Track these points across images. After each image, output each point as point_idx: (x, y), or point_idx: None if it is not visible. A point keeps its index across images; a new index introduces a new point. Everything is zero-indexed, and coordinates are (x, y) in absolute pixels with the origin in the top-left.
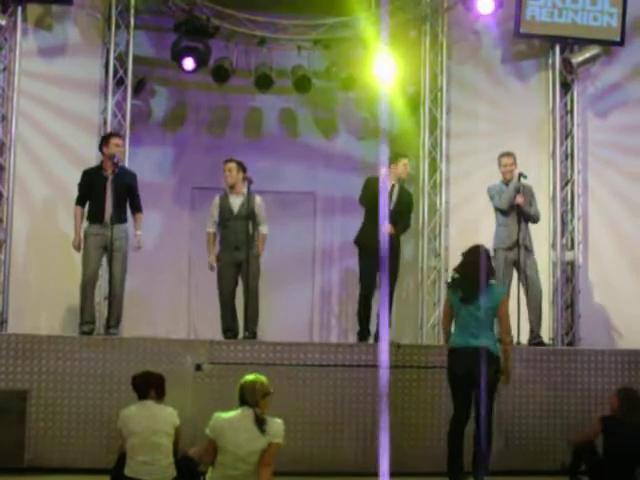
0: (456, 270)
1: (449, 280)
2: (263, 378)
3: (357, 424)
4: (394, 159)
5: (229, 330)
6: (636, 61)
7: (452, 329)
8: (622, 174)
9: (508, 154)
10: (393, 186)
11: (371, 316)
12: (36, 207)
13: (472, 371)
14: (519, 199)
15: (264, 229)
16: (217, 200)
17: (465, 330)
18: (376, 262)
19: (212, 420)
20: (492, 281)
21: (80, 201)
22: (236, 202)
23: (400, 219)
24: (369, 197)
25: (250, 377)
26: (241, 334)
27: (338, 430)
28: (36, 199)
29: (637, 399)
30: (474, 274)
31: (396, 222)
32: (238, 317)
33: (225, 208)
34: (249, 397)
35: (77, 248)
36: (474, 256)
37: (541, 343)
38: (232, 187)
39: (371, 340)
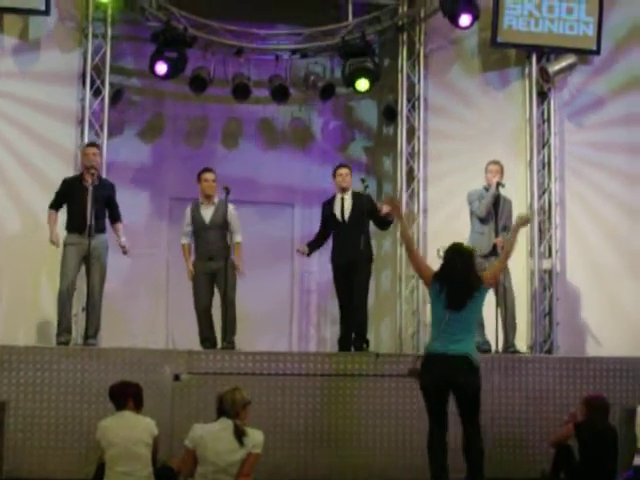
0: (438, 274)
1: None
2: (241, 389)
3: (336, 433)
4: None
5: (207, 340)
6: (608, 63)
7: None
8: (599, 181)
9: (496, 162)
10: (342, 198)
11: (351, 326)
12: (8, 224)
13: (448, 382)
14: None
15: (239, 237)
16: (188, 211)
17: (444, 333)
18: (347, 275)
19: (191, 431)
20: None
21: (54, 206)
22: (207, 212)
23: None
24: (322, 223)
25: (229, 388)
26: (219, 344)
27: (317, 439)
28: (8, 217)
29: (603, 406)
30: (459, 282)
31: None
32: (216, 327)
33: (196, 219)
34: (230, 408)
35: (55, 242)
36: (457, 258)
37: (516, 352)
38: (208, 197)
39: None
